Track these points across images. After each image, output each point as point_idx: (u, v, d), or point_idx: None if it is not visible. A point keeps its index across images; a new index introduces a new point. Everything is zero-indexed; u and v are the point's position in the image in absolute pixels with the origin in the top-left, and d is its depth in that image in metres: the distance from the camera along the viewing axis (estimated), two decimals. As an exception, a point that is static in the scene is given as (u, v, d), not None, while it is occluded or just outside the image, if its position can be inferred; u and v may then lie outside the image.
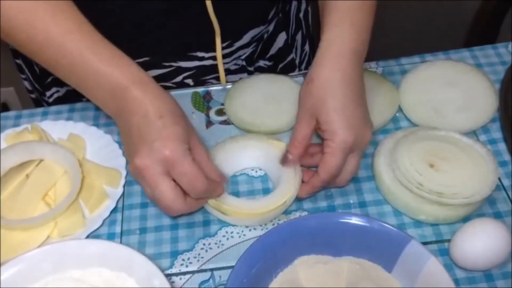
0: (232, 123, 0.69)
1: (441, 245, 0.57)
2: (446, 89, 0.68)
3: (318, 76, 0.58)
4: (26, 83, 0.86)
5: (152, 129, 0.53)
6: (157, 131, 0.53)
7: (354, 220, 0.53)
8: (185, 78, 0.76)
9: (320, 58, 0.59)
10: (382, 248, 0.52)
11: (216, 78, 0.77)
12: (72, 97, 0.74)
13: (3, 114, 0.73)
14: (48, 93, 0.82)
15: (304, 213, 0.60)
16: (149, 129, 0.53)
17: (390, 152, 0.60)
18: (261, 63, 0.81)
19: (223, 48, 0.73)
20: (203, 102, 0.72)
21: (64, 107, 0.73)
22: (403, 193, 0.58)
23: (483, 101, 0.66)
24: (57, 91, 0.81)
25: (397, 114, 0.68)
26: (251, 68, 0.80)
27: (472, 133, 0.65)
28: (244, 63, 0.79)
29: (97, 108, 0.71)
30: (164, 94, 0.56)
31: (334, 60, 0.58)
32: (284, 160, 0.61)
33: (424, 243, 0.55)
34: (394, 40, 1.34)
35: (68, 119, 0.71)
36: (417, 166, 0.58)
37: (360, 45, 0.59)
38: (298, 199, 0.60)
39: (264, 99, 0.69)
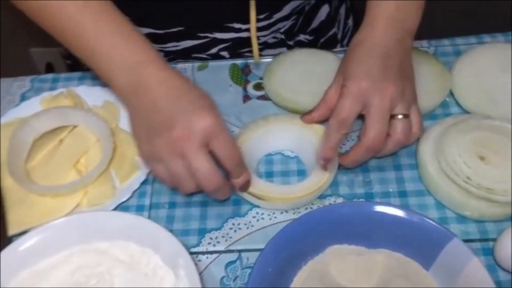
0: (270, 99, 0.66)
1: (485, 244, 0.53)
2: (503, 74, 0.62)
3: (357, 39, 0.58)
4: (63, 48, 0.85)
5: (183, 102, 0.51)
6: (190, 103, 0.51)
7: (393, 211, 0.50)
8: (220, 50, 0.74)
9: (363, 23, 0.58)
10: (421, 244, 0.49)
11: (252, 51, 0.74)
12: None
13: (40, 77, 0.73)
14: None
15: (340, 199, 0.57)
16: (179, 101, 0.51)
17: (437, 140, 0.56)
18: (302, 37, 0.77)
19: (261, 20, 0.70)
20: (241, 75, 0.69)
21: (101, 73, 0.72)
22: (448, 186, 0.54)
23: (543, 90, 0.61)
24: None
25: (447, 99, 0.64)
26: (290, 42, 0.76)
27: (529, 125, 0.60)
28: (283, 36, 0.75)
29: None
30: (178, 71, 0.54)
31: (374, 26, 0.57)
32: (304, 117, 0.60)
33: (467, 241, 0.52)
34: (449, 17, 1.27)
35: (105, 85, 0.69)
36: (466, 158, 0.54)
37: (410, 24, 0.58)
38: (342, 167, 0.58)
39: (305, 75, 0.66)
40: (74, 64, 0.84)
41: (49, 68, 1.64)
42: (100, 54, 0.53)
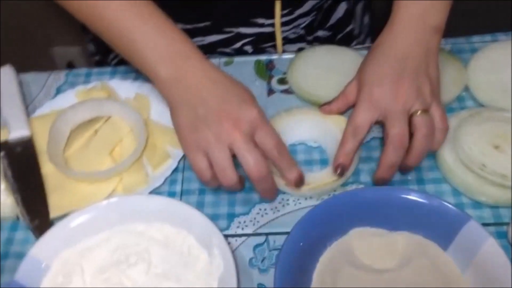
0: (293, 92, 0.69)
1: (499, 228, 0.56)
2: (517, 69, 0.66)
3: (379, 39, 0.60)
4: (90, 45, 0.89)
5: (230, 94, 0.54)
6: (237, 95, 0.54)
7: (413, 196, 0.53)
8: (244, 44, 0.77)
9: (386, 24, 0.60)
10: (439, 226, 0.52)
11: (274, 46, 0.78)
12: None
13: (74, 71, 0.76)
14: (111, 56, 0.84)
15: (361, 186, 0.61)
16: (226, 93, 0.54)
17: (454, 131, 0.59)
18: (320, 33, 0.81)
19: (283, 16, 0.73)
20: (266, 70, 0.73)
21: (132, 68, 0.75)
22: (464, 173, 0.57)
23: (555, 85, 0.64)
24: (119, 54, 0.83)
25: (463, 93, 0.67)
26: (309, 38, 0.80)
27: (542, 118, 0.63)
28: (303, 32, 0.79)
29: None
30: (217, 66, 0.57)
31: (394, 27, 0.59)
32: (322, 107, 0.63)
33: (482, 225, 0.54)
34: (464, 16, 1.29)
35: (135, 79, 0.73)
36: (481, 147, 0.57)
37: (436, 20, 0.59)
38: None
39: (326, 70, 0.69)
40: (101, 61, 0.88)
41: (70, 67, 1.69)
42: (143, 47, 0.56)
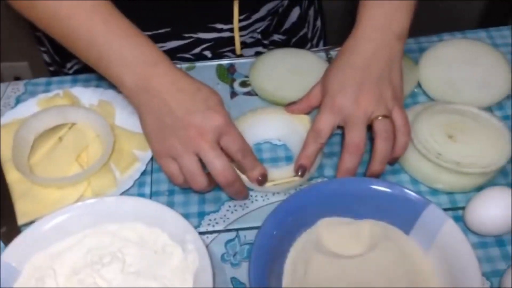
0: (256, 94, 0.72)
1: (455, 213, 0.60)
2: (463, 66, 0.70)
3: (344, 46, 0.62)
4: (45, 56, 0.88)
5: (196, 101, 0.55)
6: (202, 102, 0.56)
7: (376, 186, 0.56)
8: (203, 50, 0.79)
9: (351, 32, 0.62)
10: (402, 212, 0.55)
11: (233, 51, 0.80)
12: (92, 69, 0.76)
13: (33, 80, 0.76)
14: (68, 65, 0.84)
15: (325, 180, 0.63)
16: (192, 101, 0.55)
17: (411, 124, 0.63)
18: (275, 37, 0.84)
19: (240, 21, 0.76)
20: (227, 74, 0.75)
21: (93, 76, 0.75)
22: (421, 163, 0.61)
23: (498, 79, 0.68)
24: (77, 63, 0.83)
25: (415, 90, 0.71)
26: (266, 42, 0.82)
27: (488, 109, 0.67)
28: (259, 36, 0.81)
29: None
30: (184, 71, 0.59)
31: (358, 34, 0.62)
32: (287, 107, 0.65)
33: (439, 208, 0.58)
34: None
35: (97, 86, 0.73)
36: (437, 137, 0.60)
37: (399, 27, 0.61)
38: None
39: (288, 72, 0.72)
40: (57, 72, 0.88)
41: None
42: (110, 56, 0.56)
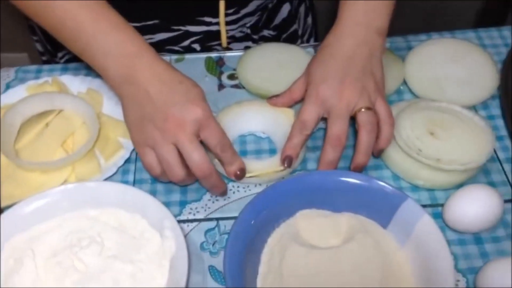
0: (243, 87, 0.72)
1: (435, 209, 0.60)
2: (449, 65, 0.71)
3: (327, 40, 0.63)
4: (38, 45, 0.89)
5: (177, 94, 0.56)
6: (183, 95, 0.56)
7: (354, 179, 0.56)
8: (192, 42, 0.79)
9: (332, 27, 0.63)
10: (379, 206, 0.55)
11: (221, 44, 0.80)
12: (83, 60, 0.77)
13: (24, 67, 0.77)
14: (59, 54, 0.85)
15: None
16: (173, 93, 0.56)
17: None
18: (265, 32, 0.84)
19: (229, 15, 0.76)
20: (216, 67, 0.75)
21: (83, 65, 0.76)
22: (402, 158, 0.61)
23: (484, 78, 0.69)
24: (69, 53, 0.84)
25: (401, 87, 0.71)
26: (255, 37, 0.83)
27: (472, 108, 0.68)
28: (249, 31, 0.82)
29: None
30: (169, 63, 0.59)
31: (340, 29, 0.63)
32: (269, 100, 0.66)
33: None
34: (405, 21, 1.37)
35: (87, 75, 0.74)
36: (418, 133, 0.61)
37: (379, 23, 0.63)
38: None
39: (275, 66, 0.72)
40: (49, 61, 0.88)
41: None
42: (95, 46, 0.57)
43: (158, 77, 0.57)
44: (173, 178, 0.58)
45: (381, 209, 0.55)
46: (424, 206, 0.60)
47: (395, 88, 0.70)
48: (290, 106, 0.66)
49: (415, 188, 0.62)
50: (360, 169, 0.61)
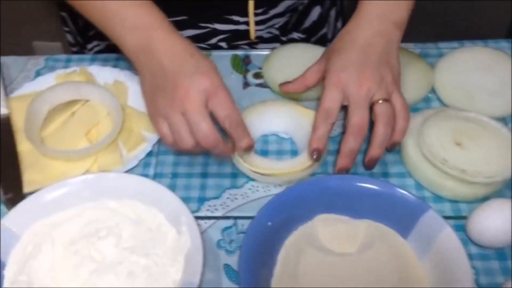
0: (268, 87, 0.72)
1: (458, 221, 0.59)
2: (480, 74, 0.69)
3: (345, 29, 0.64)
4: (69, 36, 0.90)
5: (187, 65, 0.57)
6: (193, 66, 0.57)
7: (375, 186, 0.55)
8: (219, 40, 0.79)
9: (352, 16, 0.64)
10: (400, 215, 0.54)
11: (249, 44, 0.80)
12: (111, 52, 0.78)
13: (54, 56, 0.78)
14: (89, 46, 0.86)
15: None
16: (184, 64, 0.57)
17: (419, 127, 0.62)
18: (295, 35, 0.84)
19: (258, 15, 0.76)
20: (242, 65, 0.75)
21: (111, 56, 0.77)
22: (427, 168, 0.60)
23: (516, 90, 0.67)
24: (98, 45, 0.85)
25: (429, 95, 0.70)
26: (284, 38, 0.82)
27: (501, 120, 0.66)
28: (277, 32, 0.81)
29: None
30: (185, 38, 0.60)
31: (360, 19, 0.63)
32: (281, 85, 0.66)
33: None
34: (437, 28, 1.35)
35: (114, 66, 0.74)
36: (443, 142, 0.60)
37: (398, 16, 0.63)
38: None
39: (302, 66, 0.71)
40: (78, 52, 0.89)
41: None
42: (117, 19, 0.59)
43: (172, 49, 0.58)
44: (182, 147, 0.58)
45: (402, 218, 0.54)
46: (446, 217, 0.58)
47: (424, 96, 0.69)
48: (301, 92, 0.66)
49: (438, 198, 0.61)
50: (374, 162, 0.60)
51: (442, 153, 0.59)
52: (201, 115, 0.56)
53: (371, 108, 0.60)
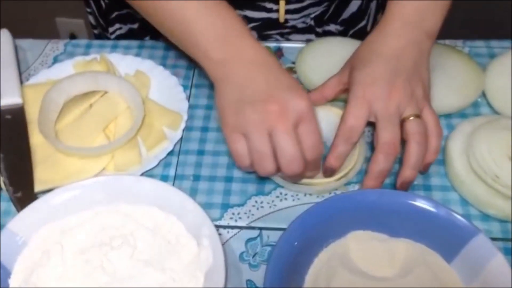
0: (301, 83, 0.66)
1: (506, 244, 0.53)
2: (539, 79, 0.62)
3: (371, 37, 0.58)
4: (91, 18, 0.86)
5: (282, 79, 0.51)
6: (288, 82, 0.51)
7: (419, 203, 0.50)
8: (250, 29, 0.74)
9: (379, 23, 0.58)
10: (445, 237, 0.49)
11: (280, 34, 0.74)
12: (134, 36, 0.73)
13: (73, 41, 0.73)
14: (111, 29, 0.81)
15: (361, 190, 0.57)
16: (278, 78, 0.51)
17: (467, 137, 0.56)
18: (332, 27, 0.78)
19: (292, 2, 0.71)
20: (274, 58, 0.69)
21: (134, 43, 0.72)
22: (475, 183, 0.54)
23: None
24: (120, 28, 0.80)
25: (479, 99, 0.63)
26: (319, 30, 0.77)
27: (560, 132, 0.59)
28: (312, 22, 0.75)
29: (166, 48, 0.71)
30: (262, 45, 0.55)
31: (388, 26, 0.57)
32: None
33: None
34: (485, 19, 1.26)
35: (137, 55, 0.70)
36: (496, 157, 0.54)
37: (431, 25, 0.57)
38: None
39: (337, 63, 0.65)
40: (100, 35, 0.85)
41: (72, 38, 1.66)
42: (196, 27, 0.53)
43: (261, 60, 0.53)
44: (262, 171, 0.52)
45: (447, 240, 0.49)
46: (494, 239, 0.53)
47: (472, 101, 0.62)
48: (319, 105, 0.60)
49: (486, 217, 0.55)
50: (407, 185, 0.54)
51: (494, 168, 0.53)
52: (291, 138, 0.50)
53: (401, 125, 0.54)
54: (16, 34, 0.71)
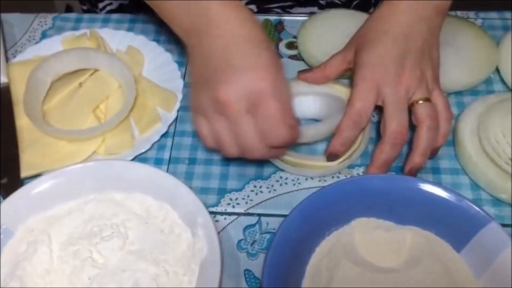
0: (303, 59, 0.62)
1: (519, 231, 0.50)
2: (557, 54, 0.58)
3: (377, 13, 0.54)
4: None
5: (241, 55, 0.45)
6: (247, 58, 0.45)
7: (428, 188, 0.47)
8: (248, 3, 0.70)
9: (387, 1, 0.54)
10: (455, 225, 0.46)
11: (282, 7, 0.70)
12: (124, 12, 0.69)
13: (63, 15, 0.69)
14: (100, 5, 0.77)
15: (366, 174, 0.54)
16: (237, 55, 0.45)
17: (480, 117, 0.53)
18: None
19: None
20: (274, 32, 0.66)
21: (126, 17, 0.68)
22: (486, 166, 0.51)
23: None
24: (110, 4, 0.76)
25: (491, 76, 0.60)
26: (322, 2, 0.72)
27: None
28: None
29: (160, 23, 0.66)
30: (252, 17, 0.48)
31: (397, 5, 0.53)
32: (300, 73, 0.57)
33: (501, 225, 0.49)
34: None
35: (129, 30, 0.66)
36: (510, 138, 0.50)
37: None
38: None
39: (342, 37, 0.61)
40: (89, 11, 0.81)
41: (68, 10, 1.61)
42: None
43: (230, 33, 0.46)
44: (225, 154, 0.49)
45: (457, 228, 0.46)
46: (506, 225, 0.50)
47: (485, 77, 0.58)
48: (321, 83, 0.57)
49: (497, 202, 0.52)
50: (416, 172, 0.51)
51: (509, 151, 0.50)
52: (246, 123, 0.45)
53: (409, 109, 0.51)
54: (11, 6, 0.68)
